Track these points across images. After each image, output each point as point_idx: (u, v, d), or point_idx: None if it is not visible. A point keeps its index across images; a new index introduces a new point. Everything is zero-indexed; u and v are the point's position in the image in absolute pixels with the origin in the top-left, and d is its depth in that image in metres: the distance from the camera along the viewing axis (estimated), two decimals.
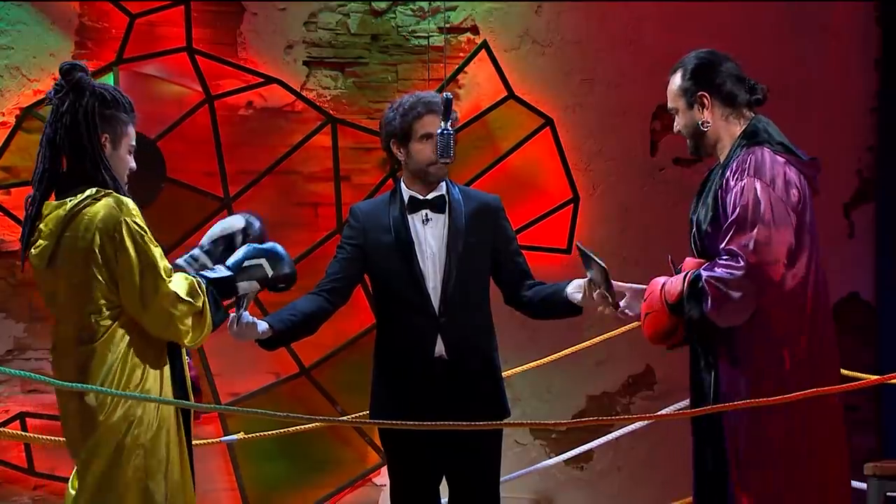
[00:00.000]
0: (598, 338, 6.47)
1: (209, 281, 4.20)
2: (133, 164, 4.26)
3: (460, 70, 6.95)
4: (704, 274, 4.28)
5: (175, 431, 4.14)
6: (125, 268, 4.03)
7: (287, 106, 6.80)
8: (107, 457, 4.06)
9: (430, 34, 6.88)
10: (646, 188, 7.23)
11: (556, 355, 6.33)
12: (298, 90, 6.81)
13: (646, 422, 6.47)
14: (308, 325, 4.86)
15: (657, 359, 7.08)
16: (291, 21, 6.84)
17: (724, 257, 4.27)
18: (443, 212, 4.90)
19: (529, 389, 6.97)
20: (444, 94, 4.85)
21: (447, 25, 7.00)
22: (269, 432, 6.13)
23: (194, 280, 4.15)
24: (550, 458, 6.83)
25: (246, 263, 4.32)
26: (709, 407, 4.25)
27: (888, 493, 4.59)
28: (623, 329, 6.31)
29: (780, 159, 4.36)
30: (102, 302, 4.05)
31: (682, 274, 4.37)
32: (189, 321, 4.09)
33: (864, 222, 7.43)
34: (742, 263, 4.22)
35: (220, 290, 4.24)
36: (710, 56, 4.52)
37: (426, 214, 4.91)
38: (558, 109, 7.08)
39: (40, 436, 5.84)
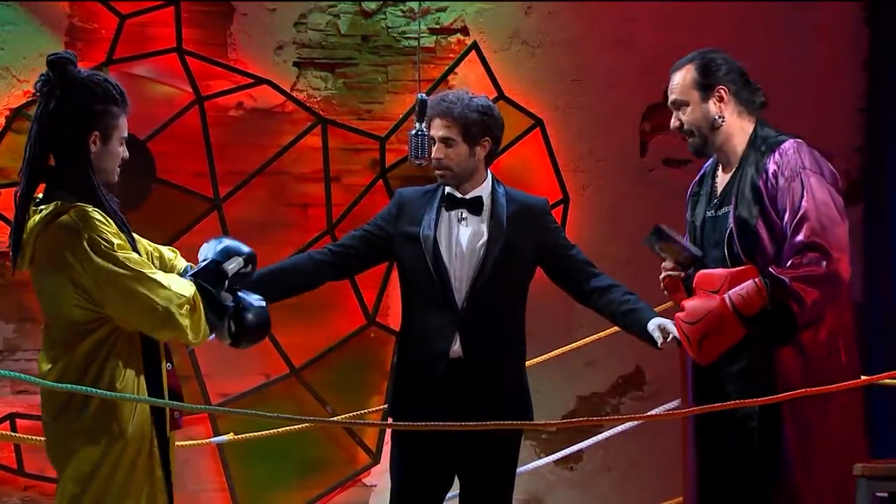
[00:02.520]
0: (587, 338, 6.49)
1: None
2: (126, 154, 4.11)
3: (450, 71, 6.95)
4: (787, 277, 4.22)
5: (147, 451, 4.00)
6: (101, 280, 3.89)
7: (277, 107, 6.80)
8: (64, 469, 4.00)
9: (421, 35, 6.89)
10: (636, 189, 7.25)
11: (546, 356, 6.34)
12: (288, 91, 6.81)
13: (636, 422, 6.48)
14: (291, 284, 4.84)
15: (647, 359, 7.09)
16: (281, 22, 6.84)
17: (802, 254, 4.23)
18: (479, 213, 4.84)
19: None
20: (419, 95, 4.83)
21: (437, 26, 7.01)
22: (260, 433, 6.14)
23: (191, 283, 4.02)
24: (540, 458, 6.84)
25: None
26: (699, 407, 4.26)
27: (877, 494, 4.60)
28: (613, 329, 6.32)
29: (817, 151, 4.40)
30: (71, 318, 3.96)
31: (748, 286, 4.27)
32: (184, 313, 3.94)
33: (853, 223, 7.37)
34: (824, 257, 4.21)
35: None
36: (721, 52, 4.53)
37: (462, 213, 4.85)
38: (548, 110, 7.09)
39: (30, 436, 5.84)
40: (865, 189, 7.43)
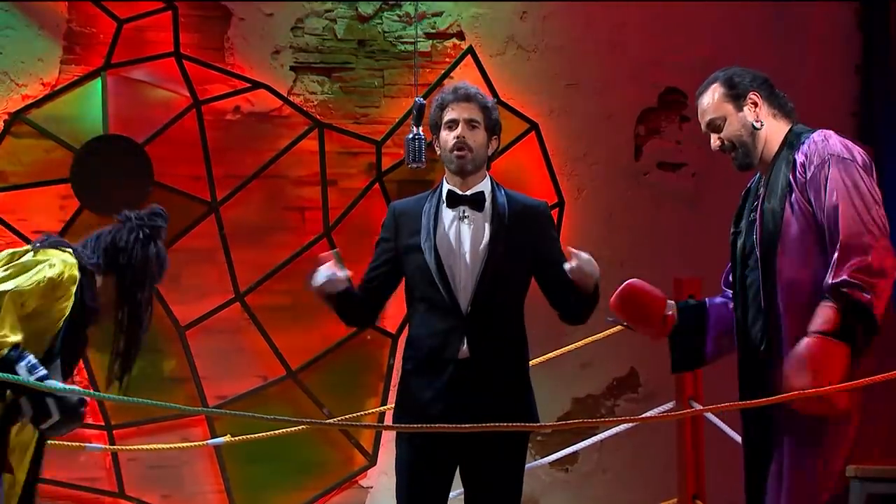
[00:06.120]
0: (582, 341, 6.50)
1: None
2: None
3: (446, 75, 6.98)
4: (842, 277, 4.13)
5: None
6: None
7: (274, 111, 6.83)
8: None
9: (417, 39, 6.92)
10: (630, 192, 7.27)
11: (541, 358, 6.35)
12: (285, 95, 6.84)
13: (630, 424, 6.50)
14: (361, 309, 4.86)
15: (641, 361, 7.12)
16: (278, 26, 6.87)
17: (846, 252, 4.14)
18: (481, 210, 4.75)
19: None
20: (417, 99, 4.76)
21: (433, 31, 7.04)
22: (257, 435, 6.14)
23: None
24: (536, 460, 6.86)
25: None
26: (693, 409, 4.28)
27: (871, 493, 4.63)
28: (607, 332, 6.35)
29: (847, 139, 4.36)
30: None
31: (823, 312, 4.15)
32: None
33: None
34: (869, 245, 4.13)
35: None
36: (739, 67, 4.53)
37: (464, 211, 4.76)
38: (543, 114, 7.12)
39: None
40: None
